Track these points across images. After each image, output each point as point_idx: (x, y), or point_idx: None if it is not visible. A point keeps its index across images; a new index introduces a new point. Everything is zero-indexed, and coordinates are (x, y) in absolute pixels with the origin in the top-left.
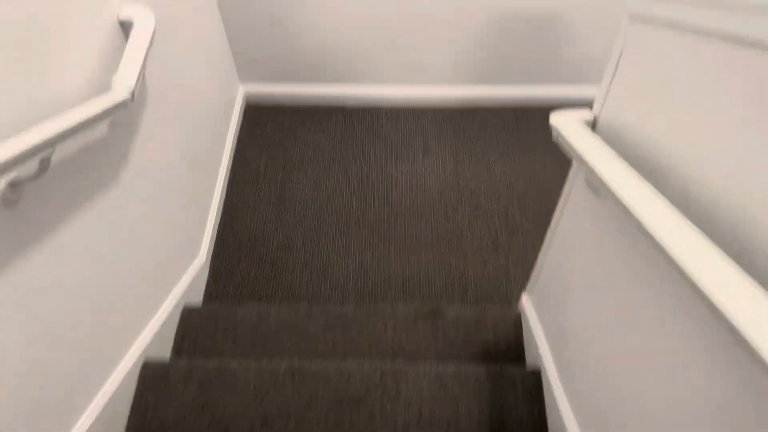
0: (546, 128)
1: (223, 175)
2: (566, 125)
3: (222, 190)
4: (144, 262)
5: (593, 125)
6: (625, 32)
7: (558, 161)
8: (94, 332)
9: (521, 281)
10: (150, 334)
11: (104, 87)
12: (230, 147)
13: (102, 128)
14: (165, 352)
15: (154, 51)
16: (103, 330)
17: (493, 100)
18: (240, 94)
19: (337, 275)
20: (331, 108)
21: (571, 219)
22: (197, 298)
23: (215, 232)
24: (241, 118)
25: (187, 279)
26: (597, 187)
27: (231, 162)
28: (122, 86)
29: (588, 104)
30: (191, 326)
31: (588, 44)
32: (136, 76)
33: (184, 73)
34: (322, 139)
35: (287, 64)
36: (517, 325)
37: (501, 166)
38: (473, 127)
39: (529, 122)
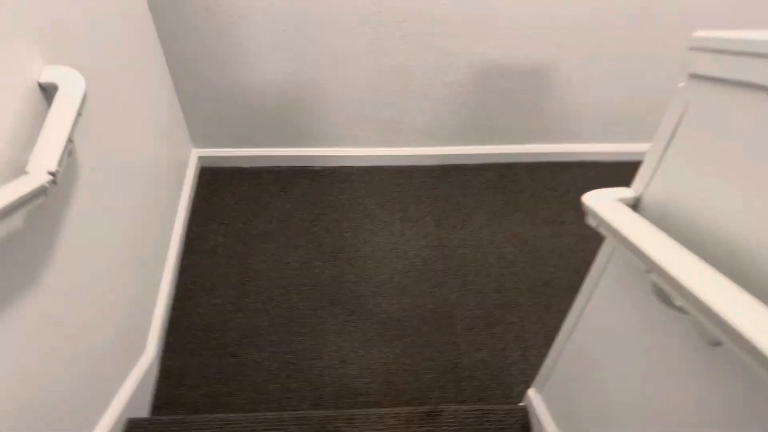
0: (533, 186)
1: (175, 252)
2: (608, 209)
3: (173, 270)
4: (74, 369)
5: (635, 205)
6: (685, 94)
7: (548, 221)
8: None
9: (521, 367)
10: None
11: (20, 168)
12: (183, 219)
13: (16, 220)
14: None
15: (88, 119)
16: None
17: (475, 158)
18: (193, 159)
19: (310, 367)
20: (297, 170)
21: (605, 314)
22: (144, 407)
23: (166, 320)
24: (195, 186)
25: (132, 384)
26: (671, 296)
27: (184, 237)
28: (40, 168)
29: (575, 164)
30: None
31: (575, 100)
32: (58, 154)
33: (125, 141)
34: (287, 205)
35: (246, 125)
36: (524, 427)
37: (488, 231)
38: (455, 187)
39: (514, 180)
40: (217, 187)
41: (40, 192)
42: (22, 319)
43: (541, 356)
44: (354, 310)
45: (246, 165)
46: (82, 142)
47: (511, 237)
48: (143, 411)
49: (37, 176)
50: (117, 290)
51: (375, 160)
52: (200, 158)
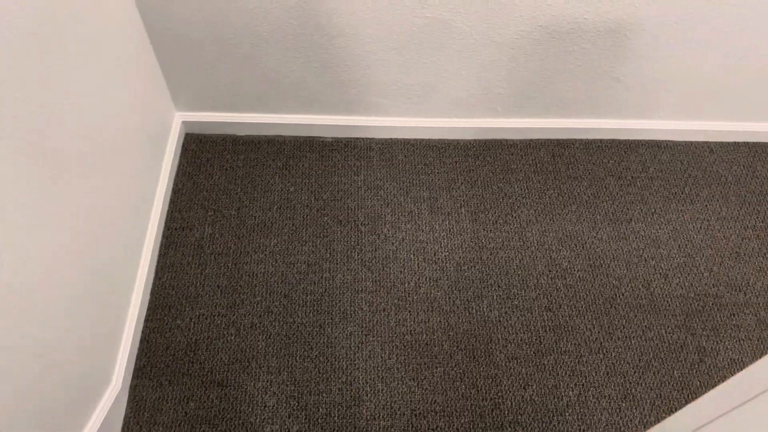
0: (593, 170)
1: (151, 248)
2: None
3: (149, 271)
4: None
5: None
6: None
7: (611, 219)
8: None
9: (579, 412)
10: None
11: None
12: (162, 203)
13: None
14: None
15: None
16: None
17: (522, 132)
18: (176, 125)
19: (316, 404)
20: (303, 141)
21: None
22: None
23: (137, 339)
24: (178, 160)
25: (93, 425)
26: None
27: (163, 226)
28: None
29: (645, 143)
30: None
31: (657, 67)
32: None
33: (69, 105)
34: (290, 187)
35: (241, 83)
36: None
37: (537, 229)
38: (496, 170)
39: (570, 163)
40: (205, 160)
41: None
42: None
43: (603, 397)
44: (371, 328)
45: (241, 133)
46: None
47: (565, 237)
48: None
49: None
50: (65, 311)
51: (399, 131)
52: (184, 123)
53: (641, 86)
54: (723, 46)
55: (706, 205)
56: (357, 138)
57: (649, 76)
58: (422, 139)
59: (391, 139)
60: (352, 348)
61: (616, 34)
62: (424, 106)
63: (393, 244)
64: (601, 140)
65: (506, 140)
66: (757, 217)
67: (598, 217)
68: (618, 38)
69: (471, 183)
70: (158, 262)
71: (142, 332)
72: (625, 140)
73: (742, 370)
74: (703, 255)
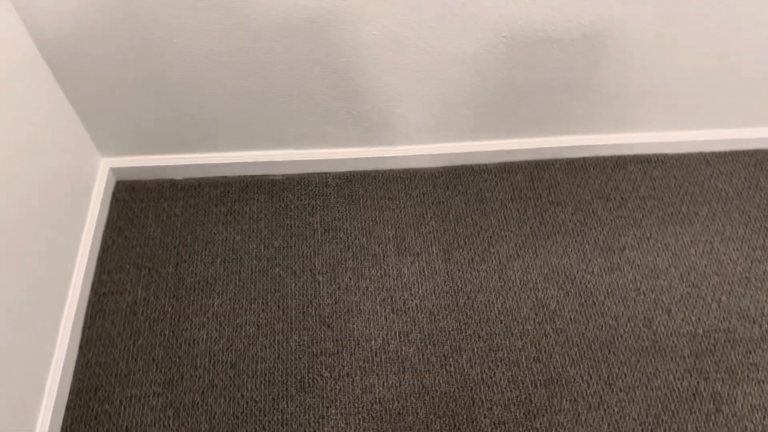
0: (578, 194)
1: (72, 320)
2: None
3: (69, 349)
4: None
5: None
6: None
7: (601, 247)
8: None
9: None
10: None
11: None
12: (86, 266)
13: None
14: None
15: None
16: None
17: (496, 156)
18: (102, 172)
19: None
20: (250, 181)
21: None
22: None
23: (57, 428)
24: (107, 213)
25: None
26: None
27: (89, 292)
28: None
29: (633, 159)
30: None
31: (641, 75)
32: None
33: None
34: (237, 236)
35: (175, 121)
36: None
37: (519, 264)
38: (469, 200)
39: (551, 186)
40: (139, 210)
41: None
42: None
43: None
44: (333, 398)
45: (179, 176)
46: None
47: (551, 273)
48: None
49: None
50: None
51: (358, 163)
52: (113, 170)
53: (624, 96)
54: (714, 46)
55: (708, 225)
56: (311, 173)
57: (632, 85)
58: (384, 171)
59: (349, 172)
60: (312, 424)
61: (591, 40)
62: (383, 134)
63: (356, 294)
64: (584, 159)
65: (478, 165)
66: (766, 236)
67: (587, 246)
68: (593, 44)
69: (442, 217)
70: (82, 335)
71: (63, 423)
72: (611, 157)
73: (765, 418)
74: (709, 283)
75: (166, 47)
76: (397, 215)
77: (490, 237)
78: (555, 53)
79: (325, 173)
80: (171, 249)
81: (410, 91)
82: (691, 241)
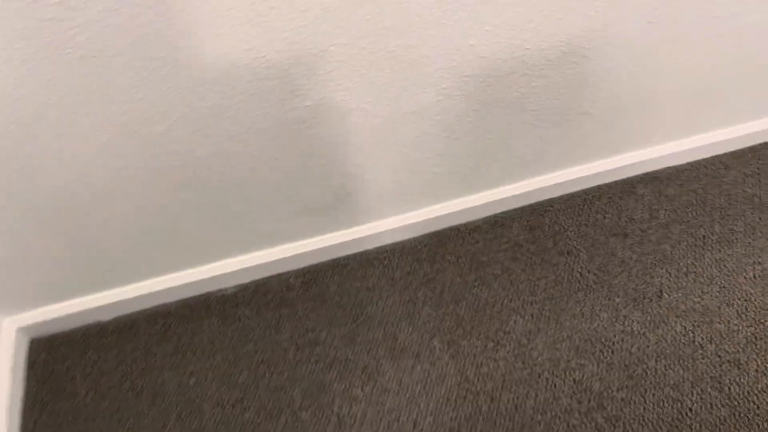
0: (588, 235)
1: None
2: None
3: None
4: None
5: None
6: None
7: (634, 298)
8: None
9: None
10: None
11: None
12: None
13: None
14: None
15: None
16: None
17: (482, 210)
18: (8, 335)
19: None
20: (194, 303)
21: None
22: None
23: None
24: (23, 385)
25: None
26: None
27: None
28: None
29: (641, 180)
30: None
31: (634, 86)
32: None
33: None
34: (190, 379)
35: (91, 256)
36: None
37: (542, 341)
38: (462, 271)
39: (554, 233)
40: (63, 371)
41: None
42: None
43: None
44: None
45: (107, 317)
46: None
47: (583, 344)
48: None
49: None
50: None
51: (323, 254)
52: (22, 330)
53: (619, 112)
54: (712, 38)
55: (750, 242)
56: (268, 277)
57: (626, 97)
58: (356, 255)
59: (314, 266)
60: None
61: (573, 58)
62: (345, 215)
63: (351, 426)
64: (585, 192)
65: (465, 225)
66: None
67: (617, 300)
68: (576, 62)
69: (436, 299)
70: None
71: None
72: (616, 182)
73: None
74: None
75: (51, 169)
76: (382, 309)
77: (500, 312)
78: (533, 82)
79: (286, 273)
80: (110, 416)
81: (368, 161)
82: (736, 267)
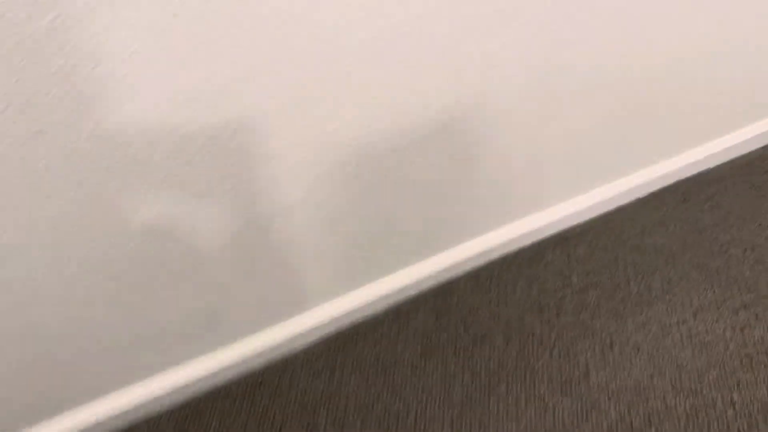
0: (502, 315)
1: None
2: None
3: None
4: None
5: None
6: None
7: (561, 382)
8: None
9: None
10: None
11: None
12: None
13: None
14: None
15: None
16: None
17: (375, 303)
18: None
19: None
20: None
21: None
22: None
23: None
24: None
25: None
26: None
27: None
28: None
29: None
30: None
31: (510, 152)
32: None
33: None
34: None
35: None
36: None
37: None
38: (366, 377)
39: (465, 316)
40: None
41: None
42: None
43: None
44: None
45: None
46: None
47: None
48: None
49: None
50: None
51: (199, 384)
52: None
53: (510, 177)
54: (596, 93)
55: (670, 299)
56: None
57: (515, 161)
58: (227, 385)
59: (188, 401)
60: None
61: (449, 130)
62: (213, 332)
63: None
64: (489, 264)
65: (365, 321)
66: (739, 288)
67: (542, 388)
68: (453, 134)
69: (339, 418)
70: None
71: None
72: (521, 249)
73: None
74: (707, 380)
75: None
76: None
77: (415, 424)
78: (410, 159)
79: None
80: None
81: (238, 276)
82: (662, 330)
